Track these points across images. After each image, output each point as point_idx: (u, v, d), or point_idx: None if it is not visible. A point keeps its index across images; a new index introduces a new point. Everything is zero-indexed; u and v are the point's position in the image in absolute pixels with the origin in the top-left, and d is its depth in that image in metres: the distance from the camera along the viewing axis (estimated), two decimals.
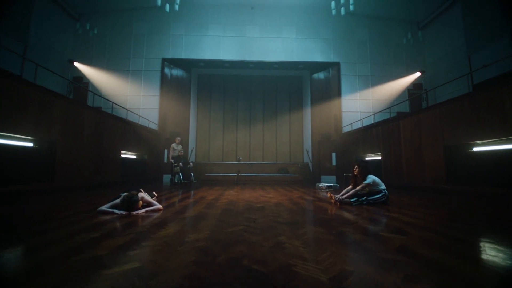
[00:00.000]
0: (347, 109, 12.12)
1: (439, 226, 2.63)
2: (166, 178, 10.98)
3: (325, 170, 12.33)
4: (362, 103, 12.27)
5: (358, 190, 4.33)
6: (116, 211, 3.04)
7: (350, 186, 4.57)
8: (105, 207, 3.10)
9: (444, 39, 11.70)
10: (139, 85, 11.91)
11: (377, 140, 8.94)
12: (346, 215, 3.31)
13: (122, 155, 8.43)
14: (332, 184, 7.11)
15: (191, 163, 8.89)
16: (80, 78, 11.77)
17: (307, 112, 13.50)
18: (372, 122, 10.69)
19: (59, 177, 5.70)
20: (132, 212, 3.05)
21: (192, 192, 6.27)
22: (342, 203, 4.21)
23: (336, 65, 12.38)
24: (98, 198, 4.56)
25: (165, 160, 11.52)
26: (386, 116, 11.13)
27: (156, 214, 3.12)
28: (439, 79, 11.87)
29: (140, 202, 3.20)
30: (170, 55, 12.12)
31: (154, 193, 4.32)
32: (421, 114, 6.80)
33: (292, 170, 11.85)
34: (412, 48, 12.74)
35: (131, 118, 10.25)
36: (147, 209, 3.29)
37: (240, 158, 8.96)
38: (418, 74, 12.32)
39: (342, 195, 4.43)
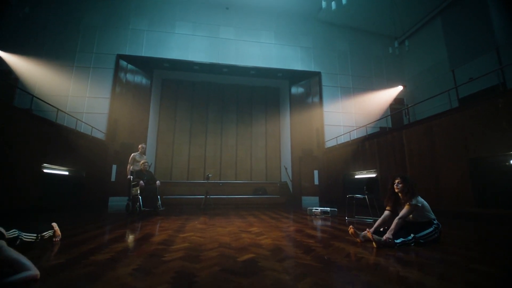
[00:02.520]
0: (330, 122, 11.01)
1: None
2: (114, 202, 8.62)
3: (306, 190, 10.85)
4: (345, 116, 11.29)
5: (403, 217, 2.80)
6: None
7: (387, 211, 3.03)
8: None
9: (425, 54, 11.41)
10: (85, 84, 9.65)
11: (371, 155, 7.73)
12: (415, 275, 1.67)
13: (44, 170, 6.09)
14: (329, 209, 5.56)
15: (158, 182, 6.21)
16: (8, 72, 9.21)
17: (286, 126, 12.17)
18: (356, 136, 9.64)
19: None
20: None
21: (139, 224, 4.24)
22: (380, 245, 2.61)
23: (317, 75, 11.38)
24: None
25: (113, 178, 9.16)
26: (370, 130, 10.17)
27: None
28: (420, 94, 11.45)
29: None
30: (128, 51, 10.15)
31: (54, 229, 2.36)
32: (433, 121, 5.69)
33: (271, 190, 10.19)
34: (393, 62, 12.34)
35: (71, 124, 7.94)
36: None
37: (210, 175, 7.06)
38: (400, 88, 11.80)
39: (379, 228, 2.87)
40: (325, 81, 11.36)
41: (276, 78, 11.94)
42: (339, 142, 9.99)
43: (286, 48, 11.36)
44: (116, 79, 9.82)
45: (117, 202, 8.46)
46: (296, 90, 12.01)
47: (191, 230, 3.56)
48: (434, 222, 2.90)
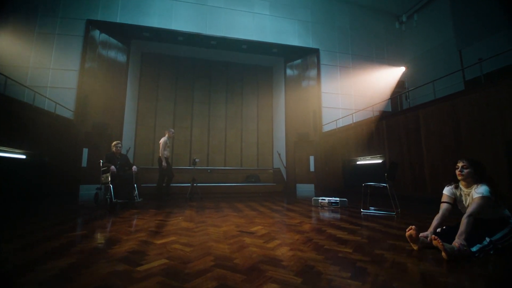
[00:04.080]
0: (328, 105, 10.16)
1: None
2: (86, 191, 7.50)
3: (301, 177, 10.10)
4: (344, 98, 10.46)
5: (474, 214, 1.99)
6: None
7: (446, 205, 2.24)
8: None
9: (430, 33, 10.64)
10: (49, 54, 8.19)
11: (378, 139, 6.97)
12: None
13: None
14: (338, 199, 4.77)
15: (135, 168, 5.13)
16: None
17: (280, 108, 11.22)
18: (354, 120, 8.86)
19: None
20: None
21: (106, 221, 3.24)
22: (453, 256, 1.78)
23: (315, 52, 10.39)
24: None
25: (83, 164, 7.98)
26: (370, 114, 9.42)
27: None
28: (422, 76, 10.77)
29: None
30: (100, 17, 8.69)
31: None
32: (457, 98, 4.92)
33: (264, 177, 9.35)
34: (395, 41, 11.52)
35: (35, 101, 6.65)
36: None
37: (196, 160, 6.08)
38: (402, 69, 11.06)
39: (437, 229, 2.07)
40: (323, 59, 10.41)
41: (270, 54, 10.84)
42: (338, 126, 9.19)
43: (282, 21, 10.23)
44: (86, 49, 8.41)
45: (90, 191, 7.32)
46: (292, 68, 10.99)
47: (173, 232, 2.61)
48: (511, 220, 2.10)
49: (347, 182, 8.52)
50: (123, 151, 8.70)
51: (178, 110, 11.03)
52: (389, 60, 11.29)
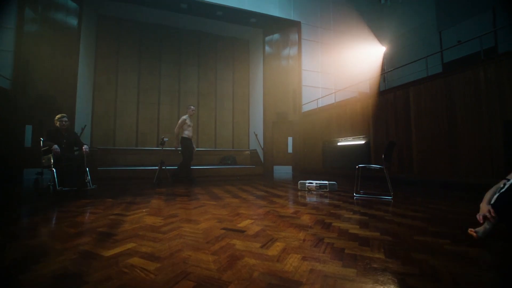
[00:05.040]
0: (308, 83, 9.64)
1: None
2: (31, 175, 6.31)
3: (279, 159, 9.67)
4: (324, 77, 10.00)
5: None
6: None
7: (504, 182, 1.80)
8: None
9: (411, 13, 10.42)
10: None
11: (363, 119, 6.62)
12: None
13: None
14: (327, 183, 4.32)
15: (86, 147, 4.16)
16: None
17: (257, 86, 10.47)
18: (334, 100, 8.48)
19: None
20: None
21: (43, 217, 2.40)
22: None
23: (296, 26, 9.66)
24: None
25: (27, 144, 6.70)
26: (349, 94, 9.08)
27: None
28: (400, 57, 10.66)
29: None
30: None
31: None
32: (453, 76, 4.60)
33: (241, 159, 8.74)
34: (377, 19, 11.16)
35: None
36: None
37: (165, 139, 5.22)
38: (383, 49, 10.81)
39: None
40: (304, 34, 9.73)
41: (248, 25, 9.88)
42: (318, 106, 8.75)
43: None
44: (23, 6, 6.80)
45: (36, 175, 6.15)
46: (271, 42, 10.17)
47: (131, 234, 1.89)
48: None
49: (326, 164, 8.25)
50: (77, 130, 7.49)
51: (143, 83, 9.77)
52: (370, 38, 10.95)
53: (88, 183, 3.92)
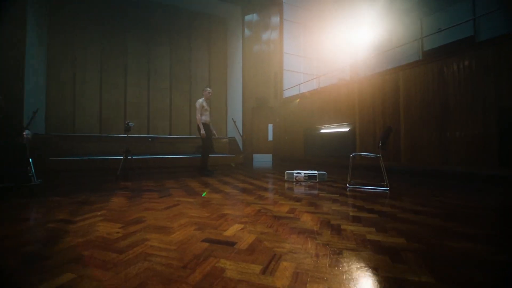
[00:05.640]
0: (289, 67, 9.17)
1: None
2: None
3: (259, 147, 9.22)
4: (305, 62, 9.58)
5: None
6: None
7: None
8: None
9: None
10: None
11: (347, 105, 6.32)
12: None
13: None
14: (316, 173, 3.94)
15: (28, 133, 3.51)
16: None
17: (236, 69, 9.77)
18: (316, 86, 8.13)
19: None
20: None
21: None
22: None
23: (278, 4, 9.04)
24: None
25: None
26: (330, 80, 8.77)
27: None
28: (383, 42, 10.52)
29: None
30: None
31: None
32: (448, 58, 4.36)
33: (219, 147, 8.15)
34: (358, 1, 10.83)
35: None
36: None
37: (130, 123, 4.45)
38: (366, 33, 10.56)
39: None
40: (286, 14, 9.15)
41: (226, 0, 9.06)
42: (300, 91, 8.34)
43: None
44: None
45: None
46: (251, 22, 9.46)
47: (72, 256, 1.30)
48: None
49: (308, 152, 7.96)
50: (28, 114, 6.39)
51: (106, 62, 8.64)
52: (352, 23, 10.64)
53: (32, 178, 3.15)
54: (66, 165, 5.32)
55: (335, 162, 6.55)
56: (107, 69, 8.62)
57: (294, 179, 4.03)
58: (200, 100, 5.09)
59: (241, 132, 9.26)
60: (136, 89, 8.92)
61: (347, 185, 3.51)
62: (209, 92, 5.23)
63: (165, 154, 6.61)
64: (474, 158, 3.96)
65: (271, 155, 9.23)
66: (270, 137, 9.23)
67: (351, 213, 2.14)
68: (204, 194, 2.95)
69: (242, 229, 1.72)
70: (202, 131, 4.95)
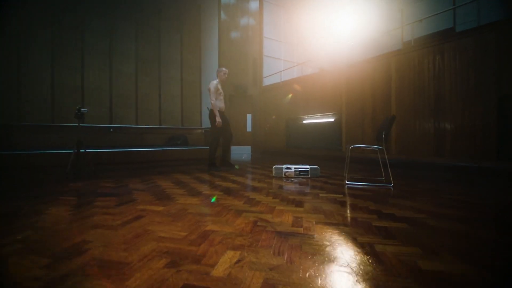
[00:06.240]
0: (269, 53, 8.59)
1: None
2: None
3: (236, 138, 8.61)
4: (286, 49, 9.06)
5: None
6: None
7: None
8: None
9: None
10: None
11: (334, 93, 5.92)
12: None
13: None
14: (308, 167, 3.46)
15: None
16: None
17: (211, 53, 8.96)
18: (296, 74, 7.70)
19: None
20: None
21: None
22: None
23: None
24: None
25: None
26: (311, 70, 8.40)
27: None
28: (366, 30, 10.30)
29: None
30: None
31: None
32: (445, 44, 4.06)
33: (193, 139, 7.42)
34: None
35: None
36: None
37: (83, 110, 3.59)
38: (350, 20, 10.25)
39: None
40: None
41: None
42: (281, 79, 7.83)
43: None
44: None
45: None
46: (227, 6, 8.65)
47: None
48: None
49: (290, 144, 7.53)
50: None
51: (59, 40, 7.38)
52: (338, 7, 10.27)
53: None
54: (13, 160, 4.30)
55: (320, 154, 6.18)
56: (61, 48, 7.37)
57: (284, 175, 3.52)
58: (215, 82, 4.35)
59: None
60: (95, 72, 7.78)
61: (346, 182, 3.07)
62: (224, 73, 4.48)
63: (131, 147, 5.74)
64: (472, 150, 3.73)
65: (249, 147, 8.68)
66: (249, 128, 8.65)
67: (373, 223, 1.66)
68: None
69: (238, 261, 1.15)
70: (218, 119, 4.25)
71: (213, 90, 4.30)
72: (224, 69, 4.52)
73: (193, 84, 9.31)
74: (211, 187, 2.92)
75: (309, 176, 3.50)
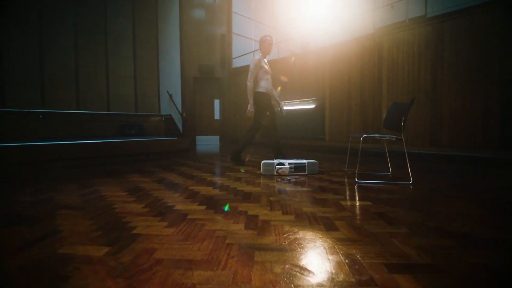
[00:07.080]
0: (239, 31, 7.68)
1: None
2: None
3: (203, 127, 7.67)
4: (257, 28, 8.22)
5: None
6: None
7: None
8: None
9: None
10: None
11: (316, 77, 5.33)
12: None
13: None
14: (305, 162, 2.80)
15: None
16: None
17: (171, 27, 7.69)
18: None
19: None
20: None
21: None
22: None
23: None
24: None
25: None
26: (281, 53, 7.73)
27: None
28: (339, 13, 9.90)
29: None
30: None
31: None
32: (445, 21, 3.66)
33: (150, 128, 6.29)
34: None
35: None
36: None
37: None
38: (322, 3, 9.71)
39: None
40: None
41: None
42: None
43: None
44: None
45: None
46: None
47: None
48: None
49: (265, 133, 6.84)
50: None
51: None
52: None
53: None
54: None
55: (299, 144, 5.62)
56: None
57: (276, 173, 2.81)
58: (258, 57, 3.29)
59: (179, 108, 7.47)
60: (19, 46, 6.06)
61: (356, 180, 2.48)
62: (269, 43, 3.34)
63: (67, 139, 4.46)
64: (472, 139, 3.44)
65: (218, 136, 7.81)
66: (217, 115, 7.74)
67: (461, 257, 1.04)
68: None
69: None
70: (250, 107, 3.32)
71: (253, 68, 3.28)
72: (268, 37, 3.41)
73: (150, 63, 7.98)
74: (185, 196, 2.08)
75: (306, 172, 2.84)
